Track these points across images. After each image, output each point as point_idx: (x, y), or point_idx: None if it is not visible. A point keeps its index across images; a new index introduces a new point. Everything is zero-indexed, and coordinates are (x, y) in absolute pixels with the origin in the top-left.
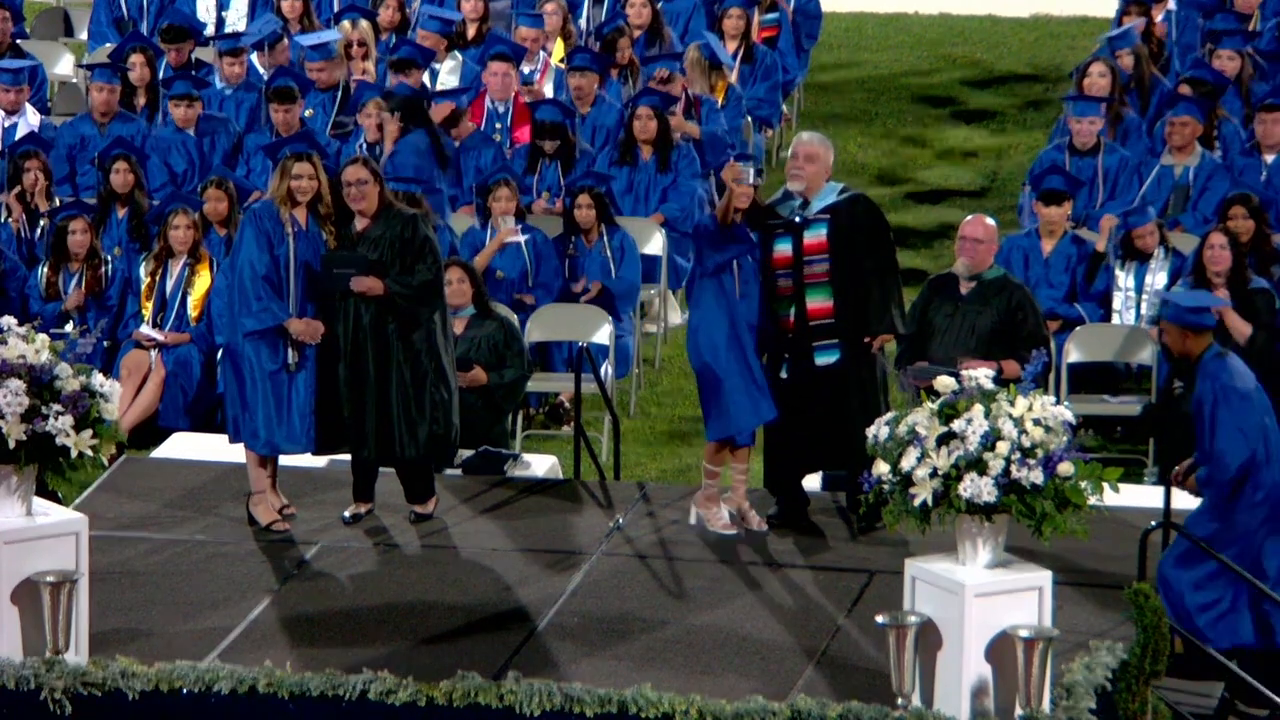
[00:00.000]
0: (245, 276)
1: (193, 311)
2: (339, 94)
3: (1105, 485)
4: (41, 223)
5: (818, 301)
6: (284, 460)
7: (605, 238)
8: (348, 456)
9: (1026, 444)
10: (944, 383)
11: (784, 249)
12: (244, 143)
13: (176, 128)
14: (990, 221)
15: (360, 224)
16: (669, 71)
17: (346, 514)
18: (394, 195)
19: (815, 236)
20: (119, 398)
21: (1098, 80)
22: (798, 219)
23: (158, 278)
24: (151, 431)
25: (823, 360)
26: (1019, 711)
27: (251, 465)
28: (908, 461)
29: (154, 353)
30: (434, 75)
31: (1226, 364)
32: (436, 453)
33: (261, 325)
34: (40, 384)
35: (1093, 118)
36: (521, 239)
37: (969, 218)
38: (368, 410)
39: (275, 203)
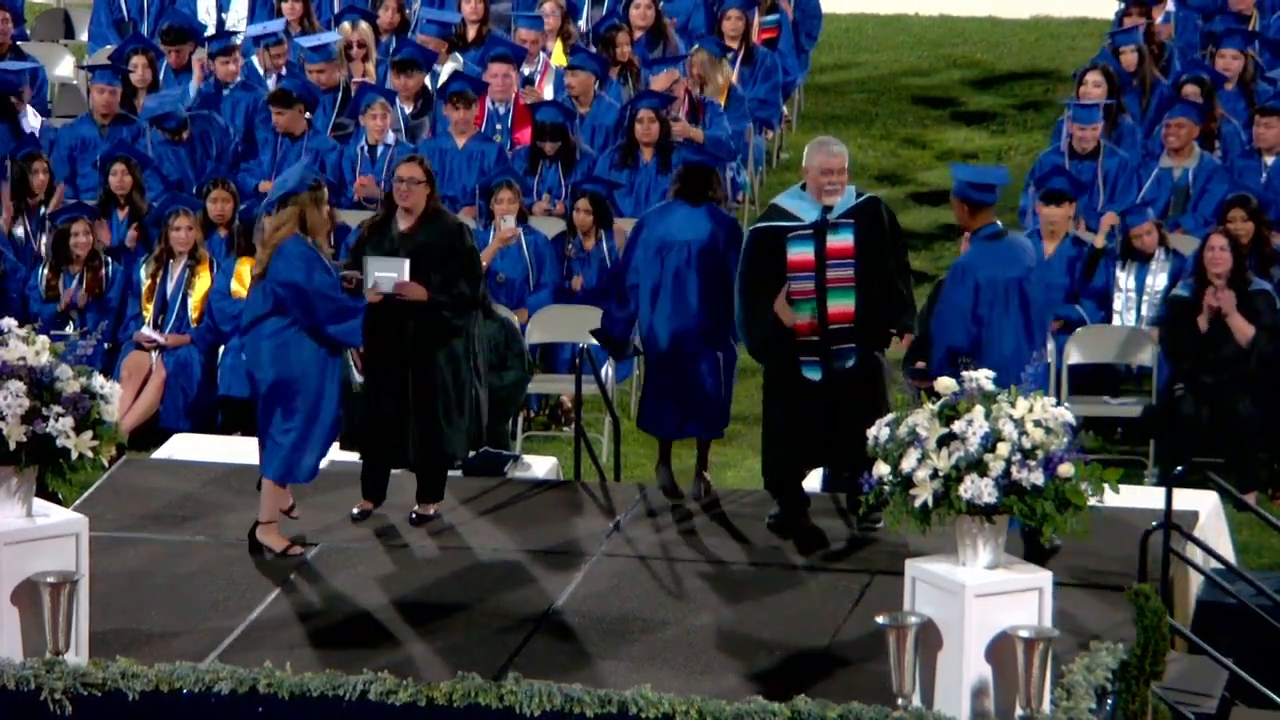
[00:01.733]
0: (324, 289)
1: (193, 313)
2: (339, 95)
3: (1105, 486)
4: (44, 229)
5: (840, 305)
6: None
7: (603, 241)
8: (350, 456)
9: (1027, 445)
10: (945, 384)
11: (803, 252)
12: (254, 140)
13: (166, 139)
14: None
15: (404, 224)
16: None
17: (355, 510)
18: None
19: (840, 240)
20: (119, 399)
21: (1093, 90)
22: (820, 221)
23: (158, 279)
24: (152, 433)
25: (840, 364)
26: (1019, 712)
27: (271, 494)
28: (908, 462)
29: (154, 354)
30: (435, 78)
31: (990, 248)
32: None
33: (354, 322)
34: (40, 385)
35: (1094, 124)
36: (520, 235)
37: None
38: (410, 415)
39: (312, 233)
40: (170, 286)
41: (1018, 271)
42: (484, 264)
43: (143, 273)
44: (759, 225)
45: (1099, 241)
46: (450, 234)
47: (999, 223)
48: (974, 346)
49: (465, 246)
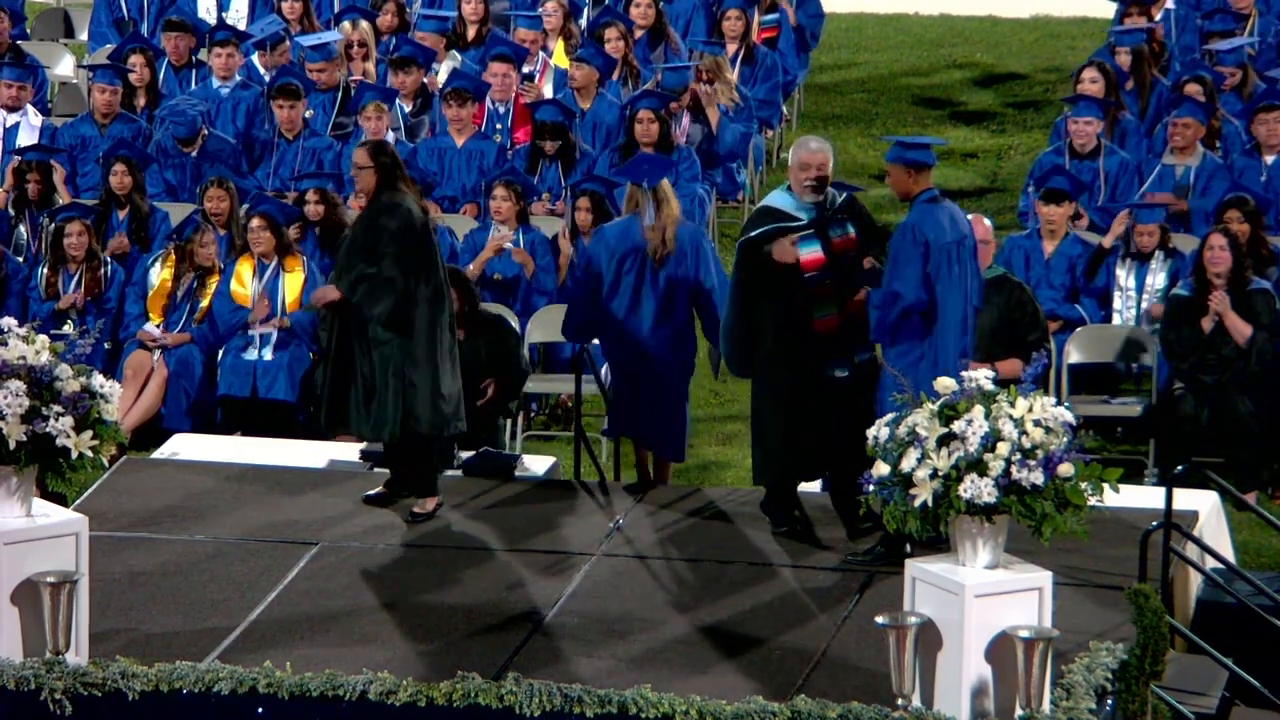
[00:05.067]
0: None
1: (197, 313)
2: (339, 95)
3: (1105, 486)
4: (44, 223)
5: (852, 299)
6: (284, 460)
7: None
8: (351, 456)
9: (1027, 445)
10: (944, 384)
11: (814, 251)
12: (252, 140)
13: (179, 149)
14: (987, 222)
15: (361, 204)
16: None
17: (371, 492)
18: (402, 183)
19: (843, 234)
20: (120, 399)
21: (1089, 86)
22: (819, 218)
23: (175, 284)
24: (154, 432)
25: (861, 357)
26: (1019, 712)
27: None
28: (908, 462)
29: (156, 354)
30: (437, 90)
31: (933, 210)
32: (409, 443)
33: None
34: (40, 385)
35: (1089, 118)
36: (511, 246)
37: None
38: (324, 394)
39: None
40: (181, 290)
41: (958, 235)
42: (476, 270)
43: (153, 275)
44: (759, 231)
45: (1107, 242)
46: (376, 214)
47: (936, 189)
48: (929, 306)
49: (376, 227)
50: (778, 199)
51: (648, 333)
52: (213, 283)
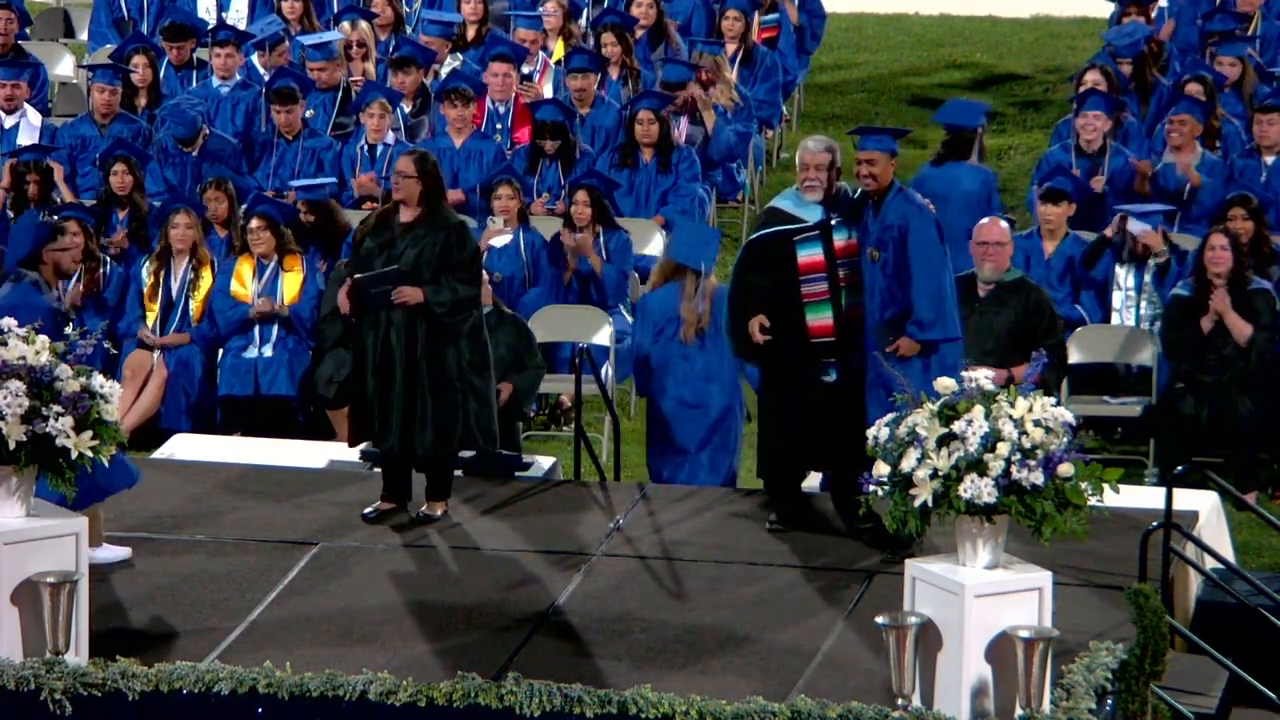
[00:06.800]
0: None
1: (194, 313)
2: (339, 94)
3: (1105, 486)
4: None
5: (851, 304)
6: (284, 461)
7: (602, 238)
8: (351, 456)
9: (1027, 445)
10: (944, 384)
11: (813, 253)
12: (251, 141)
13: (180, 148)
14: (1004, 223)
15: (405, 215)
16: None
17: (369, 510)
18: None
19: (844, 239)
20: (120, 399)
21: (1093, 89)
22: (825, 220)
23: (161, 277)
24: (154, 432)
25: (854, 364)
26: (1019, 712)
27: None
28: (908, 462)
29: (156, 354)
30: (436, 79)
31: (915, 195)
32: (463, 449)
33: None
34: (40, 385)
35: (1098, 112)
36: (506, 240)
37: (984, 221)
38: (394, 411)
39: None
40: (175, 286)
41: None
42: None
43: (144, 272)
44: (759, 234)
45: (1109, 231)
46: (452, 231)
47: None
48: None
49: (470, 248)
50: (782, 200)
51: (693, 394)
52: (205, 274)
